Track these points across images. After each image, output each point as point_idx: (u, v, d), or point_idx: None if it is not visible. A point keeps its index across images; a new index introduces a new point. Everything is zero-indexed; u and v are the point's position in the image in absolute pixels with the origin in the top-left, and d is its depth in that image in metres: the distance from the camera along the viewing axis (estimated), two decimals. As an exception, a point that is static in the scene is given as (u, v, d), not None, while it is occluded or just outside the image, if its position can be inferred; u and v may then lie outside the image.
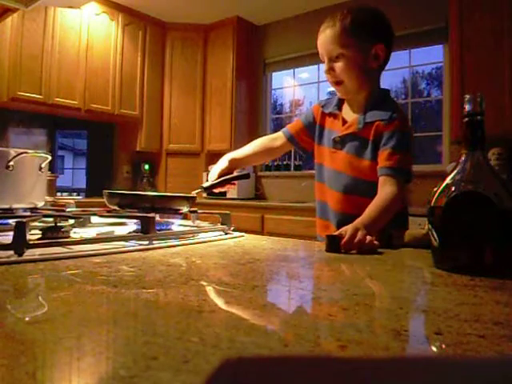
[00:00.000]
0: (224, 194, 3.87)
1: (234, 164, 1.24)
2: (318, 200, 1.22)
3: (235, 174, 1.23)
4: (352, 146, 1.11)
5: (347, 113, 1.17)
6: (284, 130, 1.30)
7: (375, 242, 0.83)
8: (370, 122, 1.09)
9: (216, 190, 1.23)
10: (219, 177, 1.21)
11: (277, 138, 1.30)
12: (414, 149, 1.19)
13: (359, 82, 1.10)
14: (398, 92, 3.65)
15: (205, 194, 4.16)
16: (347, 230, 0.85)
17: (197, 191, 1.13)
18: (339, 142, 1.14)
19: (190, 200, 1.01)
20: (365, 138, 1.09)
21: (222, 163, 1.23)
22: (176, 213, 1.02)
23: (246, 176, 1.24)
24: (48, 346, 0.31)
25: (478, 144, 0.63)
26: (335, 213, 1.14)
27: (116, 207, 0.97)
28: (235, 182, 1.23)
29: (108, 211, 1.00)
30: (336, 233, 0.86)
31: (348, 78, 1.08)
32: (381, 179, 1.04)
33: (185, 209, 1.01)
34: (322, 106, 1.23)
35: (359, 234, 0.82)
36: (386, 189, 1.01)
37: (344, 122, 1.15)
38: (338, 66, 1.08)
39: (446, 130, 3.11)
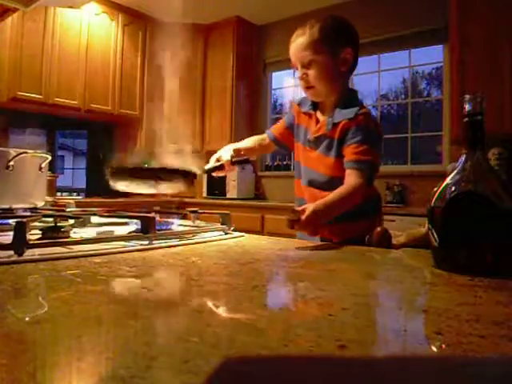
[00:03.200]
0: (224, 186, 3.87)
1: (237, 153, 1.28)
2: (297, 197, 1.28)
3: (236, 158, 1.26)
4: (324, 146, 1.17)
5: (320, 113, 1.22)
6: (268, 131, 1.39)
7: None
8: (337, 123, 1.13)
9: (215, 174, 1.26)
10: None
11: (264, 138, 1.40)
12: (382, 147, 1.22)
13: (329, 85, 1.16)
14: (398, 92, 3.64)
15: (205, 194, 4.16)
16: (306, 208, 0.92)
17: (198, 173, 1.15)
18: (313, 142, 1.19)
19: (192, 175, 1.04)
20: (332, 138, 1.14)
21: (226, 151, 1.27)
22: (176, 213, 1.03)
23: (246, 161, 1.27)
24: (48, 346, 0.31)
25: (478, 144, 0.63)
26: None
27: (121, 185, 0.98)
28: (235, 166, 1.25)
29: (108, 211, 1.00)
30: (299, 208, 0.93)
31: (319, 82, 1.14)
32: (347, 172, 1.08)
33: (182, 188, 1.03)
34: (299, 105, 1.28)
35: (305, 215, 0.90)
36: (349, 180, 1.06)
37: (317, 121, 1.20)
38: (311, 71, 1.14)
39: (446, 129, 3.11)
